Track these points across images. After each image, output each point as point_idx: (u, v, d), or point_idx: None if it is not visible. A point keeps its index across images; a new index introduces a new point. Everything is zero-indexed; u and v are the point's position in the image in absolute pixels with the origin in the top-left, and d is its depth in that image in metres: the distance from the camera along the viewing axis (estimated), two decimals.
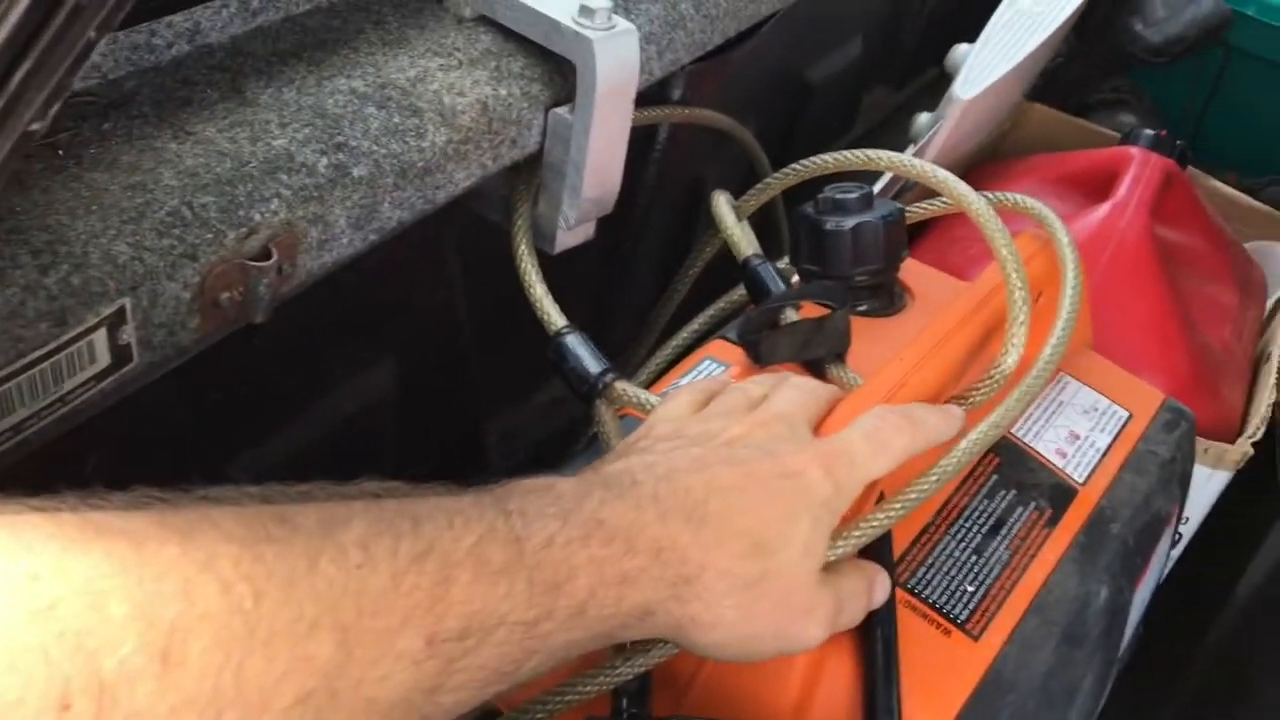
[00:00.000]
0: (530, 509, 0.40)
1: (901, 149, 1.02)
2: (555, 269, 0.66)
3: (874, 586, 0.50)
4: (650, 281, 0.91)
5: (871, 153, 0.68)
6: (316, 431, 0.66)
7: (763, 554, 0.44)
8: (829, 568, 0.48)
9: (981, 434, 0.54)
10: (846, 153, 0.69)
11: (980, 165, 1.16)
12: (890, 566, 0.54)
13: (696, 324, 0.81)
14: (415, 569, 0.34)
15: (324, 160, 0.50)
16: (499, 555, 0.37)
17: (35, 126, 0.26)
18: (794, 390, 0.53)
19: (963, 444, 0.54)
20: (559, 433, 0.87)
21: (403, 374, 0.70)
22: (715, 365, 0.66)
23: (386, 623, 0.33)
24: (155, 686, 0.28)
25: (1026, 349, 0.60)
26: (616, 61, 0.60)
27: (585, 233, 0.68)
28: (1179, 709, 0.94)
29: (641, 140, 0.83)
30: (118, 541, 0.29)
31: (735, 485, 0.45)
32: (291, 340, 0.61)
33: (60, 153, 0.46)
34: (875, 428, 0.50)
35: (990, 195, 0.68)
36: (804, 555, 0.46)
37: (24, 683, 0.26)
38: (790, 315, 0.66)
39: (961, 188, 0.63)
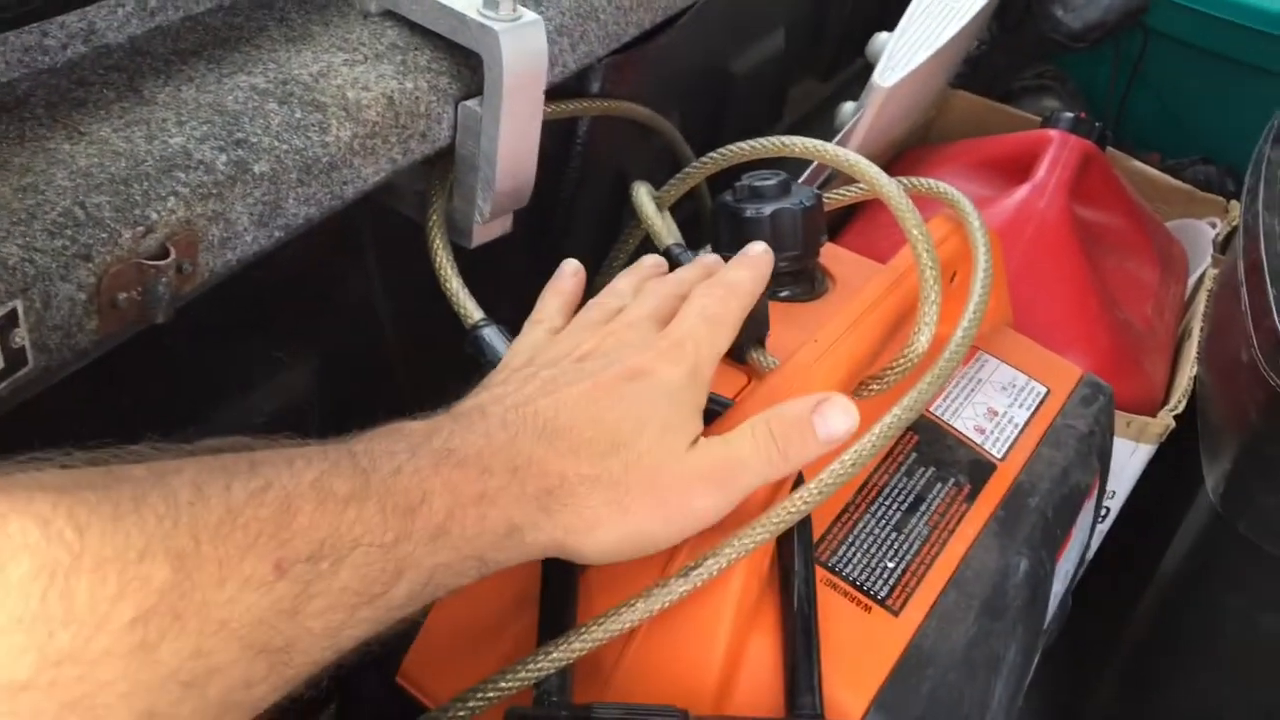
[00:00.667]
0: (376, 447, 0.40)
1: (829, 139, 1.03)
2: (480, 264, 0.66)
3: (794, 424, 0.48)
4: None
5: (787, 139, 0.68)
6: (234, 431, 0.65)
7: (620, 449, 0.45)
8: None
9: (897, 416, 0.55)
10: (764, 140, 0.70)
11: (905, 153, 1.17)
12: (809, 548, 0.54)
13: None
14: (254, 503, 0.35)
15: (223, 157, 0.50)
16: (344, 486, 0.37)
17: None
18: (646, 297, 0.54)
19: (879, 425, 0.54)
20: None
21: (323, 373, 0.69)
22: None
23: (225, 550, 0.33)
24: None
25: (941, 328, 0.61)
26: (523, 53, 0.59)
27: (503, 226, 0.68)
28: (1110, 680, 0.96)
29: (563, 133, 0.83)
30: None
31: (583, 396, 0.47)
32: (205, 341, 0.60)
33: None
34: (704, 305, 0.52)
35: (903, 180, 0.69)
36: (664, 434, 0.47)
37: None
38: None
39: (874, 171, 0.64)
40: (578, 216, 0.88)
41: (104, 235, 0.45)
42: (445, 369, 0.86)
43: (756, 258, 0.56)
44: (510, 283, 0.88)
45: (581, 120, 0.83)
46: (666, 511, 0.46)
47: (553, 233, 0.87)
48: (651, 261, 0.60)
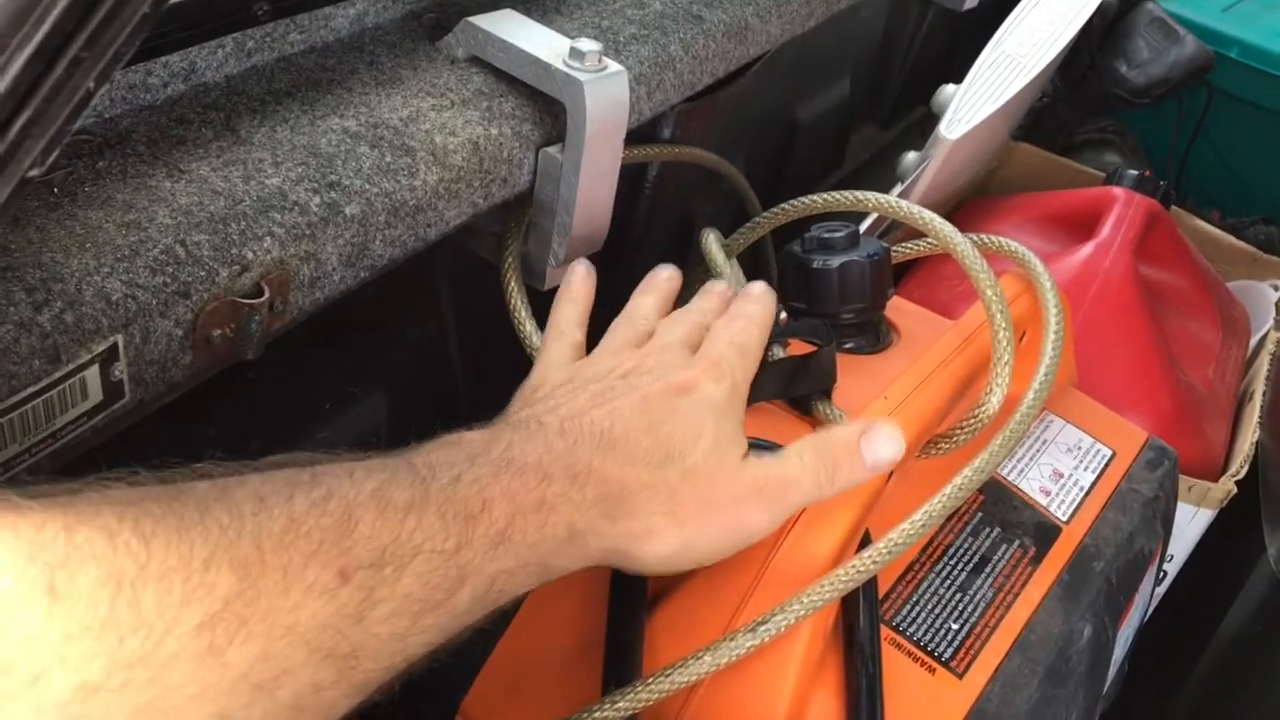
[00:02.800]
0: (436, 458, 0.41)
1: (889, 187, 1.03)
2: (547, 305, 0.67)
3: (843, 448, 0.50)
4: None
5: (860, 194, 0.69)
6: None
7: (676, 459, 0.46)
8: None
9: (968, 477, 0.55)
10: (835, 194, 0.70)
11: (966, 203, 1.17)
12: (875, 608, 0.54)
13: None
14: (315, 512, 0.35)
15: (317, 199, 0.51)
16: (403, 495, 0.38)
17: (34, 173, 0.26)
18: (674, 325, 0.55)
19: (949, 486, 0.54)
20: None
21: (393, 409, 0.70)
22: None
23: (289, 558, 0.34)
24: (44, 614, 0.28)
25: (1010, 388, 0.61)
26: (606, 103, 0.60)
27: None
28: None
29: (633, 178, 0.84)
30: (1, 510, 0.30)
31: (635, 408, 0.47)
32: (283, 375, 0.61)
33: (55, 190, 0.47)
34: (731, 333, 0.54)
35: (974, 237, 0.69)
36: (717, 446, 0.48)
37: None
38: (777, 352, 0.67)
39: (946, 229, 0.64)
40: (643, 260, 0.88)
41: (202, 274, 0.46)
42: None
43: (760, 295, 0.58)
44: None
45: (651, 166, 0.84)
46: (720, 523, 0.47)
47: (618, 275, 0.88)
48: (666, 274, 0.61)
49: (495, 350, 0.67)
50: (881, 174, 1.26)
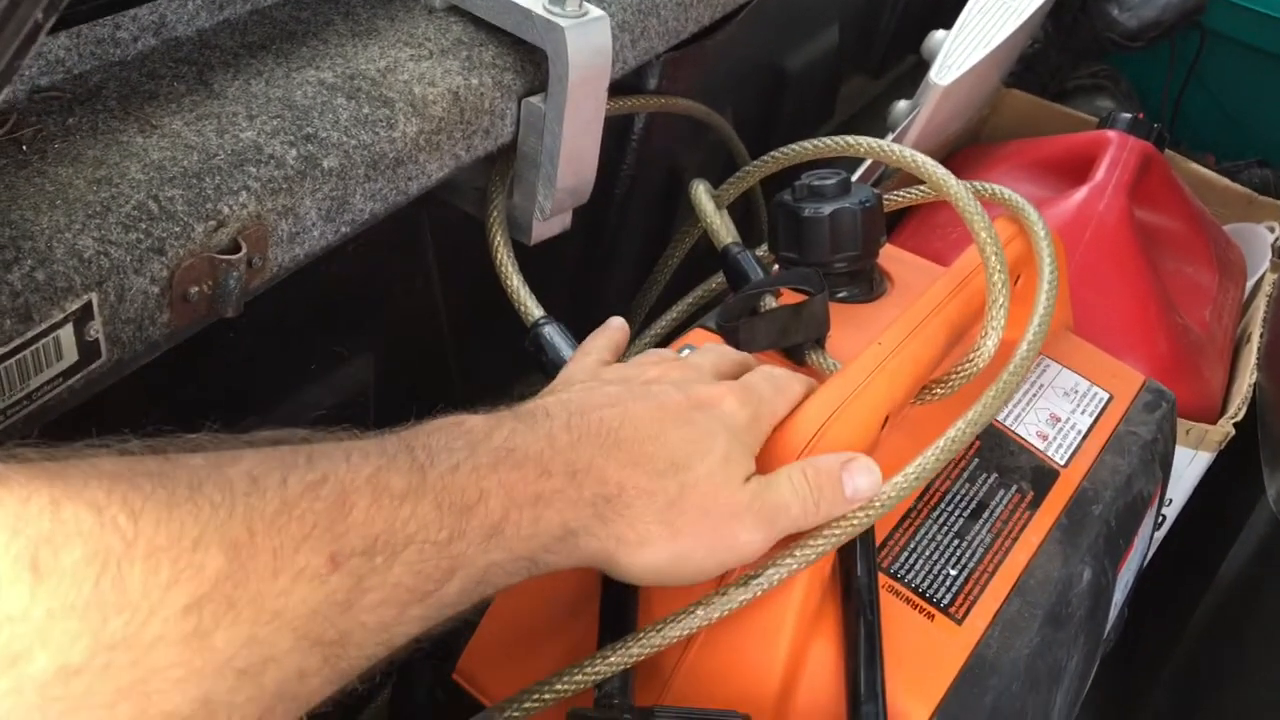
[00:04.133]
0: (435, 442, 0.40)
1: (880, 137, 1.02)
2: (534, 259, 0.66)
3: (827, 477, 0.49)
4: (630, 270, 0.90)
5: (851, 139, 0.67)
6: (292, 423, 0.65)
7: (679, 470, 0.45)
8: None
9: (962, 429, 0.54)
10: (826, 139, 0.69)
11: (958, 152, 1.16)
12: (872, 556, 0.53)
13: (675, 312, 0.81)
14: (309, 495, 0.34)
15: (293, 152, 0.50)
16: (400, 482, 0.37)
17: None
18: (706, 353, 0.55)
19: (944, 438, 0.53)
20: None
21: (381, 367, 0.69)
22: None
23: (281, 541, 0.33)
24: (27, 592, 0.28)
25: (1005, 333, 0.60)
26: (589, 49, 0.59)
27: (562, 223, 0.68)
28: (1164, 690, 0.94)
29: (619, 130, 0.83)
30: None
31: (649, 414, 0.46)
32: (267, 334, 0.60)
33: (24, 148, 0.46)
34: (768, 372, 0.53)
35: (967, 184, 0.68)
36: (723, 464, 0.47)
37: None
38: (769, 302, 0.66)
39: (940, 172, 0.63)
40: (631, 213, 0.88)
41: (177, 229, 0.45)
42: (501, 365, 0.86)
43: (808, 385, 0.55)
44: (563, 279, 0.88)
45: (637, 117, 0.83)
46: (713, 540, 0.46)
47: (606, 229, 0.87)
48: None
49: (482, 306, 0.67)
50: (873, 125, 1.24)
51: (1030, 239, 0.65)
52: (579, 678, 0.48)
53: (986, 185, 0.68)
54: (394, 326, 0.71)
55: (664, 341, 0.76)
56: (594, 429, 0.44)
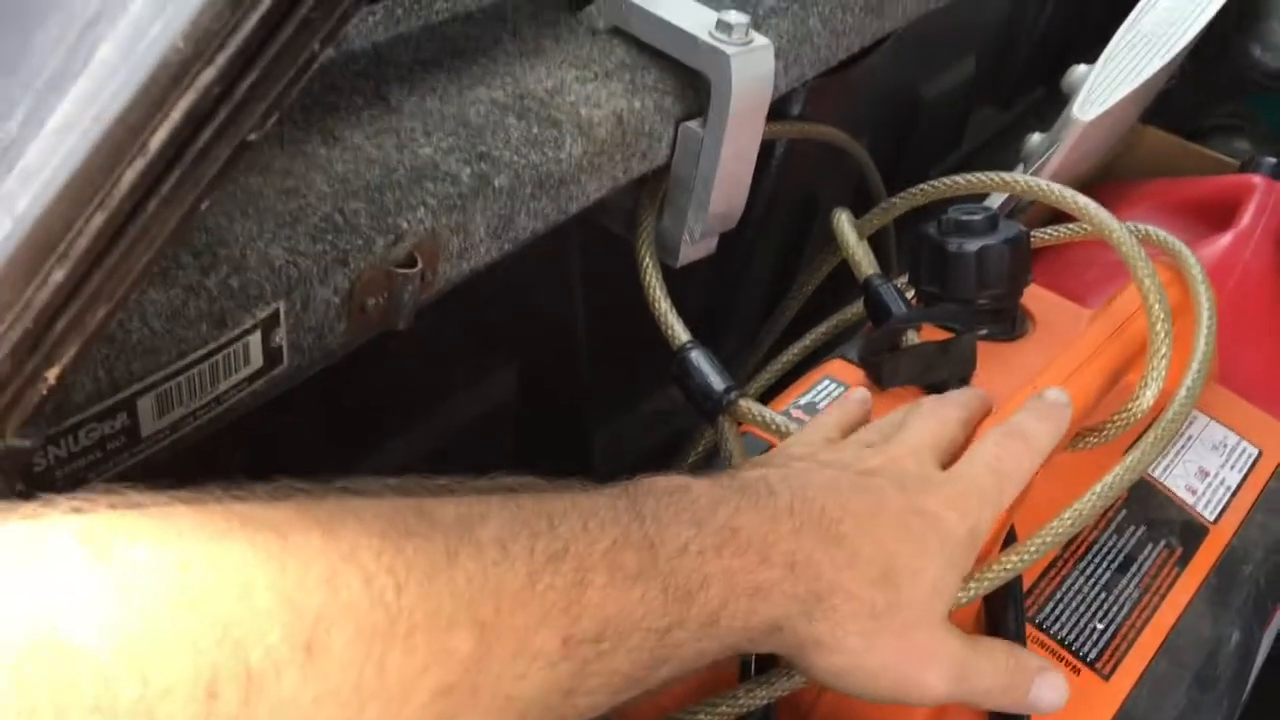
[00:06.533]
0: (665, 514, 0.39)
1: (1007, 169, 1.00)
2: (680, 283, 0.66)
3: (1024, 674, 0.47)
4: (761, 295, 0.90)
5: (1005, 176, 0.67)
6: (439, 435, 0.67)
7: (892, 584, 0.44)
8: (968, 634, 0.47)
9: (1119, 475, 0.53)
10: (978, 175, 0.68)
11: (1091, 189, 1.14)
12: (1020, 607, 0.53)
13: (807, 340, 0.80)
14: (551, 569, 0.34)
15: (467, 170, 0.50)
16: (633, 560, 0.37)
17: (253, 137, 0.26)
18: (926, 420, 0.52)
19: (1100, 485, 0.52)
20: (661, 444, 0.87)
21: (522, 381, 0.70)
22: (834, 385, 0.65)
23: (524, 621, 0.33)
24: (300, 676, 0.27)
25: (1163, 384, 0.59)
26: (752, 77, 0.59)
27: (708, 247, 0.68)
28: None
29: (760, 154, 0.83)
30: (264, 532, 0.29)
31: (869, 512, 0.45)
32: (421, 346, 0.61)
33: None
34: (996, 456, 0.49)
35: (1129, 226, 0.67)
36: (932, 594, 0.45)
37: (173, 671, 0.26)
38: (912, 338, 0.65)
39: (1103, 215, 0.62)
40: (765, 238, 0.88)
41: (360, 242, 0.46)
42: (631, 384, 0.87)
43: (1057, 408, 0.52)
44: (693, 302, 0.88)
45: (779, 143, 0.83)
46: (903, 669, 0.44)
47: (739, 253, 0.87)
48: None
49: (623, 326, 0.67)
50: (1000, 155, 1.22)
51: (1188, 285, 0.64)
52: (722, 709, 0.48)
53: (1143, 227, 0.67)
54: (537, 340, 0.72)
55: (796, 371, 0.75)
56: (816, 518, 0.43)
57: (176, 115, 0.24)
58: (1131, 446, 0.55)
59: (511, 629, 0.32)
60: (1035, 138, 1.06)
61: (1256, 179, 0.99)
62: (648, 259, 0.64)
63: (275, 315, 0.43)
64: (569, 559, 0.35)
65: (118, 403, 0.38)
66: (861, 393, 0.57)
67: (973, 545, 0.47)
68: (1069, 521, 0.51)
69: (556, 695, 0.34)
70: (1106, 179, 1.19)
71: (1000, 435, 0.50)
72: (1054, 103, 1.00)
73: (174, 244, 0.27)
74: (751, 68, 0.59)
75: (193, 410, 0.42)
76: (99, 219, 0.25)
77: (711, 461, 0.63)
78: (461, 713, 0.31)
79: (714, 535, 0.40)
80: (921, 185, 0.70)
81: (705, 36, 0.58)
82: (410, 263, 0.48)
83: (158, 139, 0.24)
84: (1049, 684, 0.47)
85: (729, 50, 0.58)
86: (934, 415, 0.52)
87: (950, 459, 0.50)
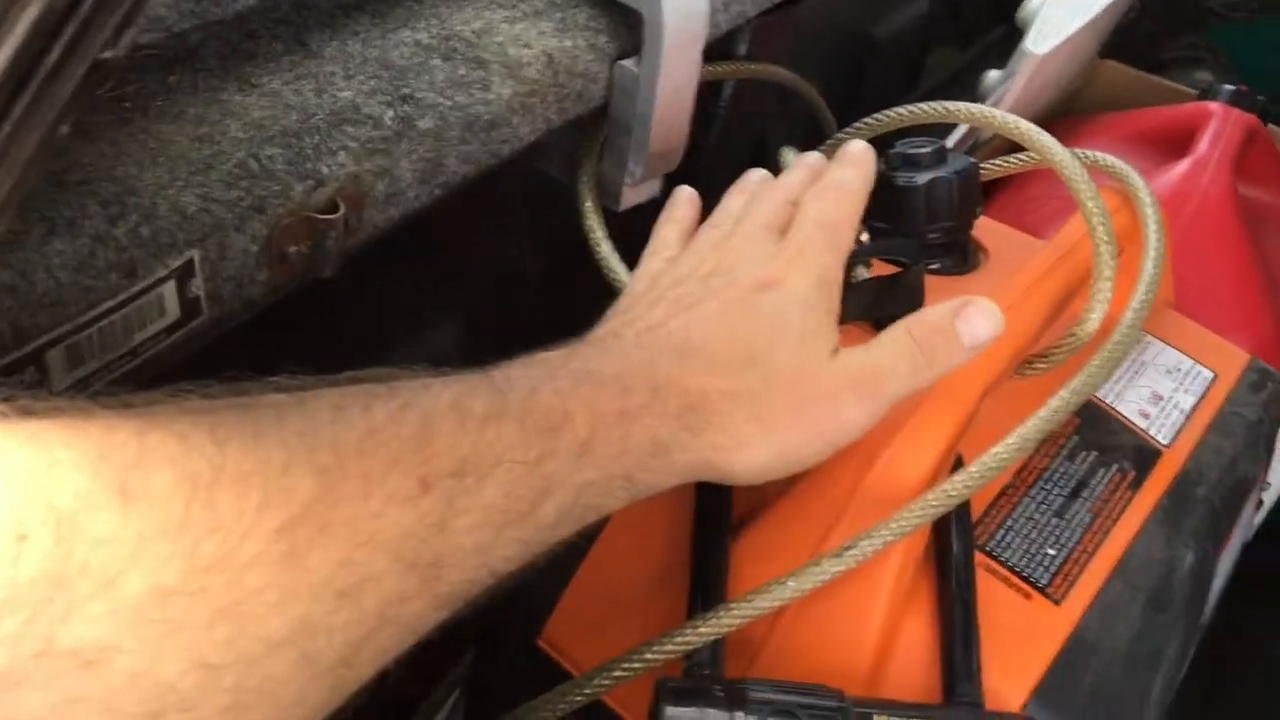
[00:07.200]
0: (514, 371, 0.41)
1: None
2: (615, 226, 0.65)
3: (939, 329, 0.48)
4: None
5: (949, 105, 0.66)
6: None
7: (757, 362, 0.44)
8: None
9: (1065, 399, 0.53)
10: (921, 105, 0.67)
11: (1051, 123, 1.13)
12: (968, 532, 0.52)
13: None
14: (394, 422, 0.34)
15: (390, 112, 0.49)
16: (481, 406, 0.37)
17: (107, 54, 0.25)
18: (757, 206, 0.53)
19: (1046, 409, 0.52)
20: None
21: (467, 331, 0.69)
22: None
23: (368, 465, 0.33)
24: (118, 516, 0.27)
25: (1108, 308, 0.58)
26: (685, 12, 0.58)
27: (651, 189, 0.67)
28: (1261, 675, 0.92)
29: (706, 97, 0.81)
30: (71, 415, 0.29)
31: (714, 313, 0.46)
32: (357, 298, 0.60)
33: (127, 105, 0.46)
34: (819, 210, 0.51)
35: (1074, 152, 0.66)
36: (802, 345, 0.45)
37: None
38: (861, 273, 0.64)
39: (1046, 140, 0.61)
40: (715, 181, 0.86)
41: (277, 188, 0.45)
42: (582, 328, 0.86)
43: (859, 154, 0.54)
44: (642, 247, 0.87)
45: (725, 84, 0.81)
46: (813, 424, 0.45)
47: None
48: (758, 176, 0.58)
49: (570, 272, 0.66)
50: (959, 96, 1.21)
51: (1136, 210, 0.63)
52: (669, 648, 0.48)
53: (1091, 153, 0.66)
54: (482, 292, 0.71)
55: None
56: (664, 342, 0.44)
57: (21, 30, 0.23)
58: (1078, 371, 0.54)
59: (357, 473, 0.32)
60: (992, 74, 1.05)
61: (1214, 106, 0.98)
62: (588, 202, 0.63)
63: (190, 264, 0.42)
64: (411, 411, 0.35)
65: (24, 355, 0.38)
66: (685, 190, 0.57)
67: (825, 288, 0.48)
68: (1014, 446, 0.50)
69: (428, 530, 0.34)
70: (1068, 114, 1.18)
71: (817, 191, 0.52)
72: (1013, 41, 0.99)
73: (35, 169, 0.26)
74: (684, 2, 0.58)
75: (106, 363, 0.41)
76: None
77: None
78: (314, 547, 0.31)
79: (568, 378, 0.41)
80: (864, 120, 0.69)
81: None
82: (332, 208, 0.47)
83: (3, 57, 0.23)
84: (976, 314, 0.48)
85: None
86: (765, 201, 0.53)
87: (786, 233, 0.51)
